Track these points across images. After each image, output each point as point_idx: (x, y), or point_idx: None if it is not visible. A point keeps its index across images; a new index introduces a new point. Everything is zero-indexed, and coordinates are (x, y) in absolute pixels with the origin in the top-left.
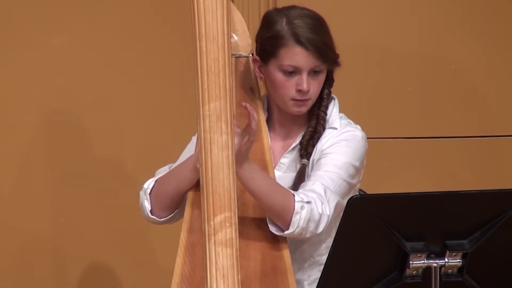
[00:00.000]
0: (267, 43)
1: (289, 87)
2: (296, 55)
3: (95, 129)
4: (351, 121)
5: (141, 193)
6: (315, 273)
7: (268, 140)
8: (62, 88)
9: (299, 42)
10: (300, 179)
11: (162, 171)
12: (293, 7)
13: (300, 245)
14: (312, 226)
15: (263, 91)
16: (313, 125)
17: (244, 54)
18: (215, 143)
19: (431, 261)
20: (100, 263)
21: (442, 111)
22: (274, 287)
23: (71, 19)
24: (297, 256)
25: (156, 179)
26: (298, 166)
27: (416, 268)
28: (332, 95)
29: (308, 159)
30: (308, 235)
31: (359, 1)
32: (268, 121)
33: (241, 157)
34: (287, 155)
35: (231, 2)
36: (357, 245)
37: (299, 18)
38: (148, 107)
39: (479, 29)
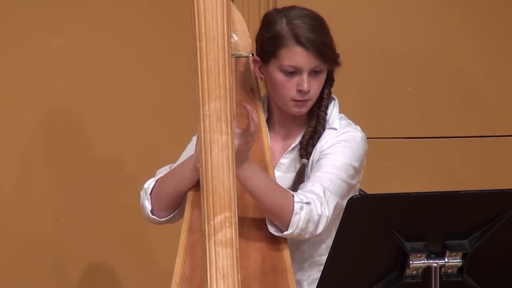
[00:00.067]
0: (267, 44)
1: (290, 88)
2: (296, 56)
3: (95, 129)
4: (351, 122)
5: (142, 193)
6: (315, 273)
7: (268, 140)
8: (62, 88)
9: (299, 42)
10: (299, 179)
11: (163, 171)
12: (293, 8)
13: (300, 245)
14: (311, 227)
15: (263, 92)
16: (313, 125)
17: (244, 54)
18: (215, 143)
19: (431, 261)
20: (100, 263)
21: (442, 111)
22: (274, 287)
23: (71, 19)
24: (297, 256)
25: (156, 179)
26: (298, 167)
27: (416, 268)
28: (332, 95)
29: (308, 159)
30: (307, 236)
31: (359, 1)
32: (268, 121)
33: (241, 157)
34: (287, 155)
35: (231, 2)
36: (357, 245)
37: (299, 18)
38: (148, 107)
39: (479, 29)
